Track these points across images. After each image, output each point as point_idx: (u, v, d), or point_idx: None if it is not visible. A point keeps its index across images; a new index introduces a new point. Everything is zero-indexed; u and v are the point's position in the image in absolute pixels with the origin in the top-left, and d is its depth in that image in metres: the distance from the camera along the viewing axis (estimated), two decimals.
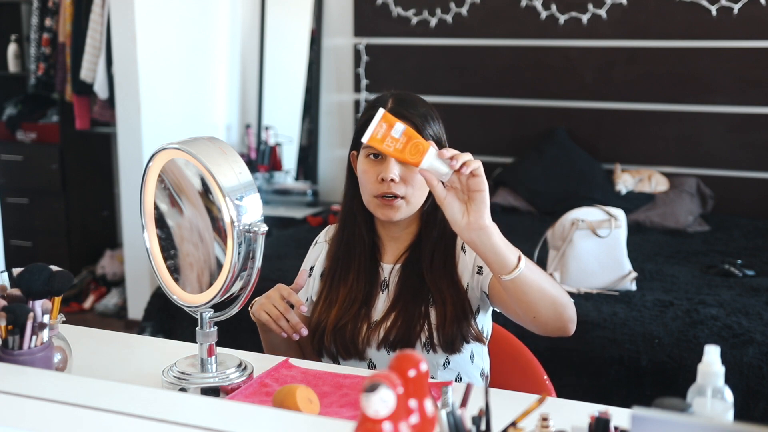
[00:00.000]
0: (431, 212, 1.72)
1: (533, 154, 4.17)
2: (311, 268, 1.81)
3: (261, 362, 1.63)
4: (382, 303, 1.72)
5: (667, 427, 0.93)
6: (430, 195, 1.70)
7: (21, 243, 4.60)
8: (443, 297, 1.66)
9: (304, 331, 1.63)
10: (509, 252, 1.46)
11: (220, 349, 1.60)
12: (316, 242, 1.85)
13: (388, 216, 1.66)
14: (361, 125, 1.68)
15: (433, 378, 1.65)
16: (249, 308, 1.68)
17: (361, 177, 1.68)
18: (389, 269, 1.74)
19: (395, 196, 1.64)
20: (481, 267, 1.67)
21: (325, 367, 1.64)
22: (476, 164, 1.42)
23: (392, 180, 1.62)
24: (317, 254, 1.82)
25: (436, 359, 1.66)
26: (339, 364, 1.72)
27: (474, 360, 1.71)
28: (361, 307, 1.71)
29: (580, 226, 2.94)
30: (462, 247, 1.71)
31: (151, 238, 1.59)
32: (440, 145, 1.69)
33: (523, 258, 1.48)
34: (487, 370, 1.77)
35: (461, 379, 1.69)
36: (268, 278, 3.04)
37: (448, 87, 4.38)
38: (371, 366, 1.70)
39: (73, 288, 4.51)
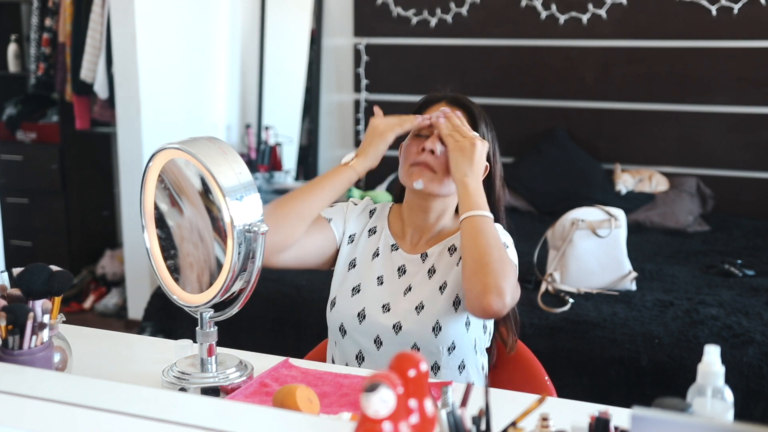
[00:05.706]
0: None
1: (533, 154, 4.16)
2: (329, 220, 1.82)
3: (261, 362, 1.63)
4: (400, 287, 1.76)
5: (667, 427, 0.93)
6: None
7: (21, 243, 4.60)
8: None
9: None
10: (479, 205, 1.65)
11: (220, 349, 1.60)
12: (356, 203, 1.87)
13: (418, 176, 1.73)
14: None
15: (437, 363, 1.69)
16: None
17: (404, 151, 1.78)
18: (409, 257, 1.78)
19: (427, 165, 1.73)
20: None
21: (325, 367, 1.64)
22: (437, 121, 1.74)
23: (432, 152, 1.72)
24: (350, 213, 1.84)
25: (441, 343, 1.68)
26: (344, 336, 1.74)
27: (476, 348, 1.74)
28: (381, 288, 1.76)
29: (580, 226, 2.94)
30: None
31: (151, 238, 1.59)
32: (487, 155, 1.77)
33: (487, 218, 1.64)
34: (486, 365, 1.79)
35: (464, 366, 1.71)
36: (268, 278, 3.07)
37: (448, 87, 4.37)
38: (377, 342, 1.71)
39: (73, 288, 4.51)
